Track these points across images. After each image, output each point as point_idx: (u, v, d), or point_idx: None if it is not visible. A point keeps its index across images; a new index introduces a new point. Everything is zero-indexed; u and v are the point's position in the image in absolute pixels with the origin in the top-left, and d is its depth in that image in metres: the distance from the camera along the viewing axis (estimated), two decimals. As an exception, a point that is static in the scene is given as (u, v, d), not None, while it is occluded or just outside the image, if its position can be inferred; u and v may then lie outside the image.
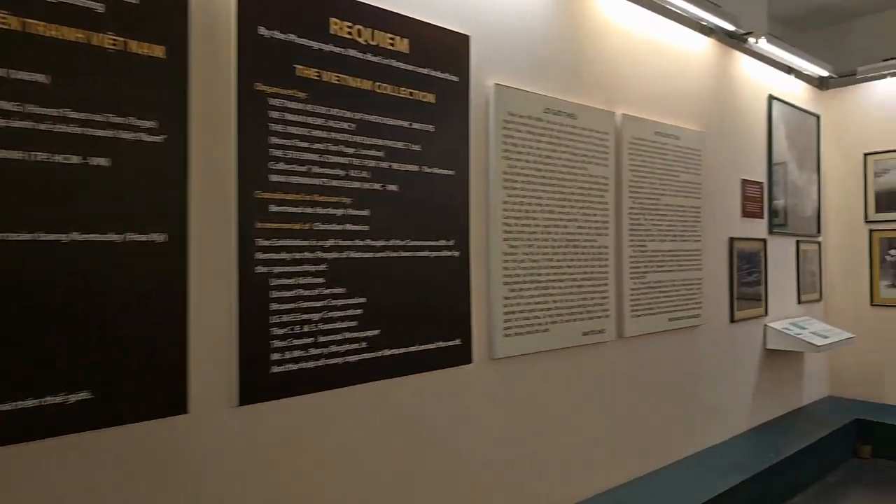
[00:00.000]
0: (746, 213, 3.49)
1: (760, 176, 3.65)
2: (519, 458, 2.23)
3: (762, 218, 3.64)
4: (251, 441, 1.56)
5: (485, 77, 2.15)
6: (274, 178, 1.60)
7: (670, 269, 2.90)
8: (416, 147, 1.91)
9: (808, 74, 4.14)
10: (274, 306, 1.59)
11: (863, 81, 4.14)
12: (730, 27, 3.20)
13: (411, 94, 1.90)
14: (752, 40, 3.39)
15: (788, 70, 3.99)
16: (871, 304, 4.10)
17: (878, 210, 4.07)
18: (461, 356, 2.03)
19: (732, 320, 3.34)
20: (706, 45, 3.24)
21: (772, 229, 3.68)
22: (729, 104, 3.39)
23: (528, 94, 2.27)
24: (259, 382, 1.56)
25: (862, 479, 3.47)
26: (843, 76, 4.21)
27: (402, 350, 1.86)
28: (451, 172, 2.01)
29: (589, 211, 2.50)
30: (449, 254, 2.00)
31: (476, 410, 2.10)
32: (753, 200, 3.55)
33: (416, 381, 1.91)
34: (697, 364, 3.13)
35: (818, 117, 4.21)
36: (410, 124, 1.90)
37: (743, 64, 3.54)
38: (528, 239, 2.26)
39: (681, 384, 3.02)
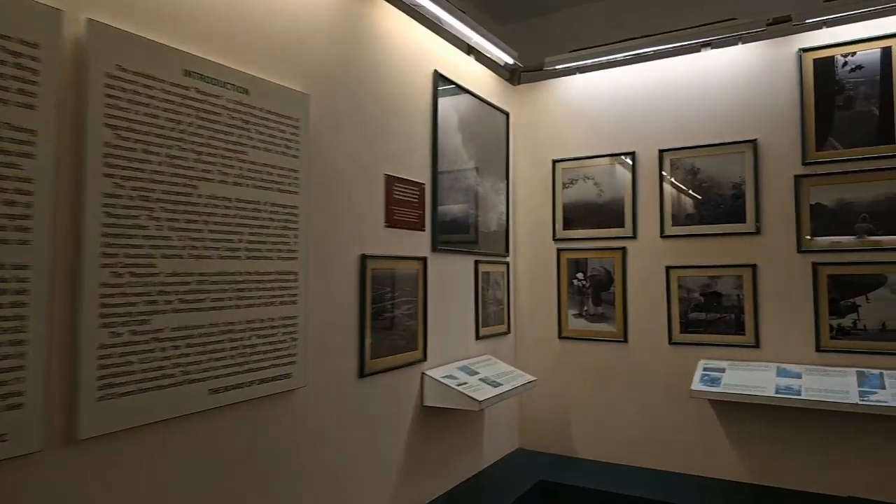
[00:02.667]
0: (395, 223, 2.54)
1: (422, 175, 2.75)
2: None
3: (423, 230, 2.73)
4: None
5: None
6: None
7: (220, 306, 1.72)
8: None
9: (496, 62, 3.44)
10: None
11: (553, 76, 3.58)
12: (354, -51, 2.21)
13: None
14: (396, -18, 2.47)
15: (468, 50, 3.22)
16: (560, 337, 3.49)
17: (566, 227, 3.50)
18: None
19: (363, 374, 2.32)
20: (324, -28, 2.21)
21: (436, 245, 2.80)
22: (366, 67, 2.41)
23: None
24: None
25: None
26: (532, 70, 3.62)
27: None
28: None
29: (-40, 192, 1.19)
30: None
31: None
32: (408, 206, 2.62)
33: None
34: (299, 450, 2.01)
35: (507, 115, 3.54)
36: None
37: (395, 23, 2.61)
38: None
39: (265, 492, 1.86)
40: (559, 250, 3.50)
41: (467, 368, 2.90)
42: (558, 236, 3.51)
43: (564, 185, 3.51)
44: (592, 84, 3.45)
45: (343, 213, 2.25)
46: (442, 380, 2.65)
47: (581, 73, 3.49)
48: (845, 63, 2.84)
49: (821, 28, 2.89)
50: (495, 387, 2.79)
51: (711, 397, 2.82)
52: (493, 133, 3.41)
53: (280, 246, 1.92)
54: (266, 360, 1.87)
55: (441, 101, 2.88)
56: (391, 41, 2.57)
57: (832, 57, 2.86)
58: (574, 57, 3.36)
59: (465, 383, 2.69)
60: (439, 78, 2.86)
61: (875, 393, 2.59)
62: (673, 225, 3.20)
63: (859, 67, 2.81)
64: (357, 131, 2.34)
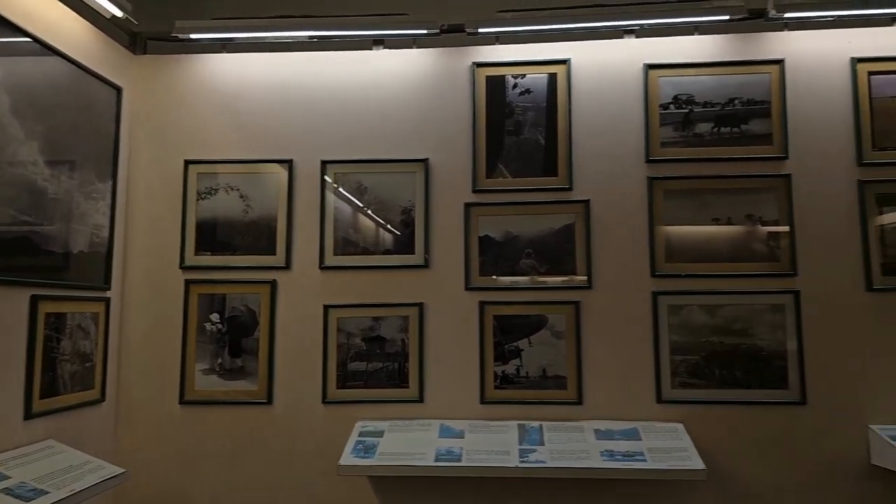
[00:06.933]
0: None
1: None
2: None
3: None
4: None
5: None
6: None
7: None
8: None
9: (102, 15, 2.40)
10: None
11: (193, 52, 2.70)
12: None
13: None
14: None
15: (41, -23, 2.15)
16: (182, 402, 2.54)
17: (199, 251, 2.61)
18: None
19: None
20: None
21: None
22: None
23: None
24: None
25: None
26: (161, 38, 2.68)
27: None
28: None
29: None
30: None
31: None
32: None
33: None
34: None
35: (120, 90, 2.53)
36: None
37: None
38: None
39: None
40: (188, 282, 2.58)
41: (-16, 474, 1.77)
42: (188, 263, 2.59)
43: (200, 196, 2.63)
44: (244, 69, 2.67)
45: None
46: None
47: (228, 52, 2.69)
48: (515, 85, 2.61)
49: (494, 44, 2.64)
50: (29, 500, 1.72)
51: (363, 473, 2.22)
52: (89, 112, 2.36)
53: None
54: None
55: (-41, 35, 1.76)
56: None
57: (504, 76, 2.61)
58: (214, 26, 2.54)
59: (-45, 510, 1.57)
60: (-46, -4, 1.74)
61: (534, 451, 2.30)
62: (335, 254, 2.59)
63: (528, 91, 2.60)
64: None
